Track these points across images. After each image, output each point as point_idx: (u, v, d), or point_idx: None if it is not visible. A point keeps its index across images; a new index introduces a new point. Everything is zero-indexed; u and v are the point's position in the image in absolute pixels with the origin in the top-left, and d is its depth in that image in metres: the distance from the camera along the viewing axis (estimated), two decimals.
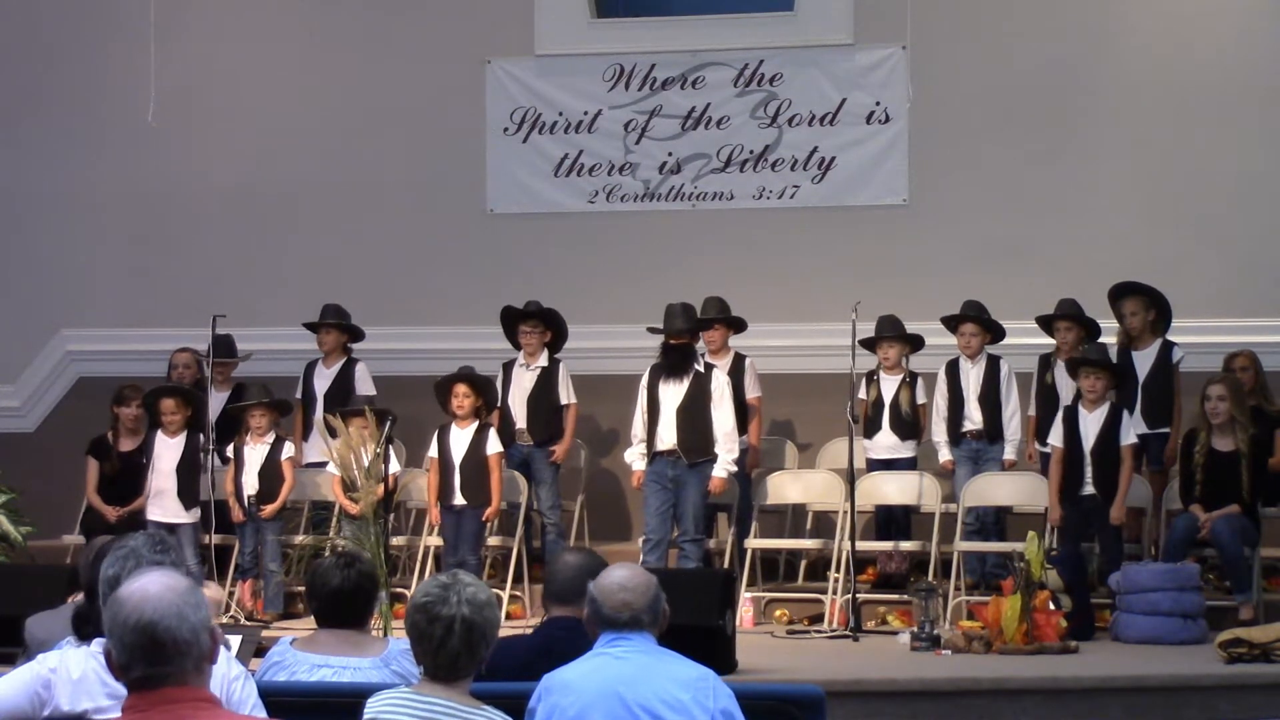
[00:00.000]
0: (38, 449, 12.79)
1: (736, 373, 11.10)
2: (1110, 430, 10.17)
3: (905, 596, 10.30)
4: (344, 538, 10.00)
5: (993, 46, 12.50)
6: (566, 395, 11.36)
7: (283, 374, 11.92)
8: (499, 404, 11.24)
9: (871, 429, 11.12)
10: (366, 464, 9.64)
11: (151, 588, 3.43)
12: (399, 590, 10.23)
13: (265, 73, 13.22)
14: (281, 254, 13.17)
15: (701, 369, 10.55)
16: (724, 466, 10.43)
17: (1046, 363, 11.04)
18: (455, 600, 4.29)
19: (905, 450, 11.14)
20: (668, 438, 10.43)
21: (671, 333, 10.53)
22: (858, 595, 10.09)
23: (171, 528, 10.59)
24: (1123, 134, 12.33)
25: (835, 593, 10.40)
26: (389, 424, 9.95)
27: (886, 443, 11.14)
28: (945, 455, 11.07)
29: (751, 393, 11.26)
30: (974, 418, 11.03)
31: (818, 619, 10.40)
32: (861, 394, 11.07)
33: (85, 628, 4.68)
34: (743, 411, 10.91)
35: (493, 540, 11.07)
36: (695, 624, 7.67)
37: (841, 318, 10.56)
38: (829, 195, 12.69)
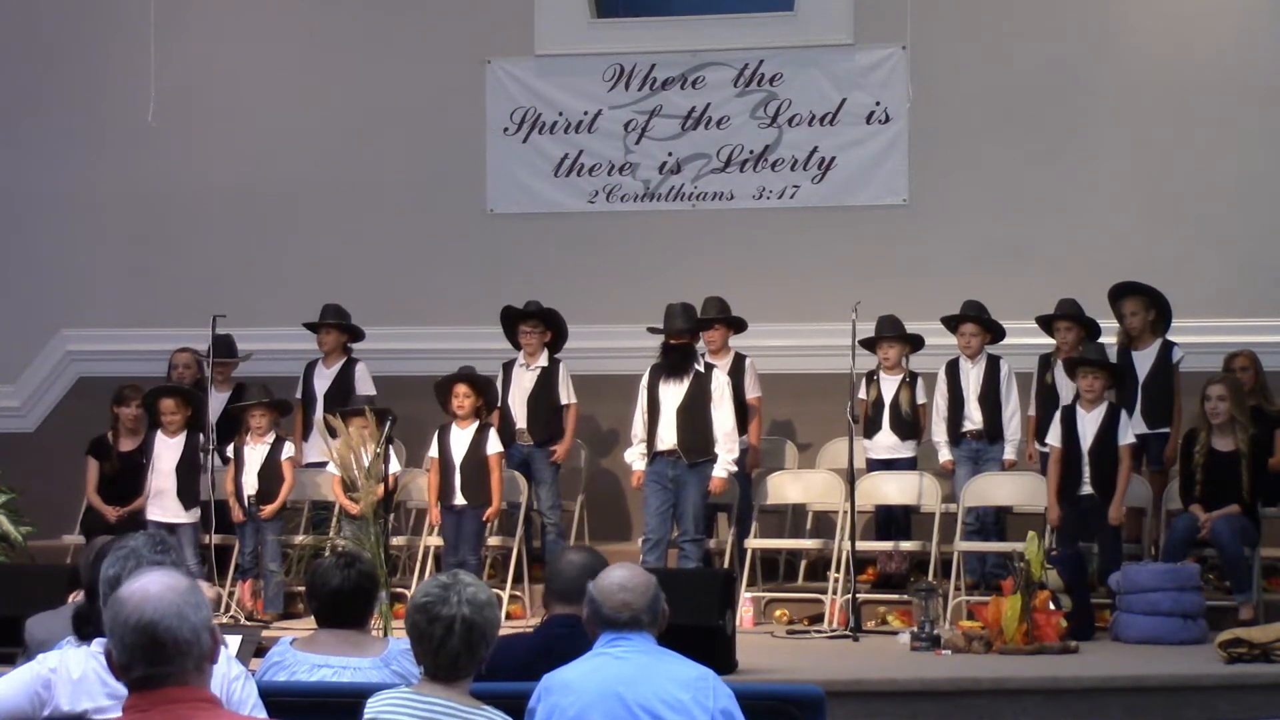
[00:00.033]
0: (38, 449, 12.79)
1: (736, 373, 11.10)
2: (1108, 430, 10.17)
3: (905, 596, 10.30)
4: (344, 538, 10.00)
5: (993, 46, 12.50)
6: (566, 395, 11.36)
7: (283, 374, 11.92)
8: (499, 404, 11.24)
9: (871, 429, 11.12)
10: (366, 464, 9.64)
11: (152, 587, 3.43)
12: (399, 590, 10.23)
13: (265, 73, 13.22)
14: (281, 254, 13.17)
15: (701, 369, 10.55)
16: (724, 466, 10.43)
17: (1046, 363, 11.04)
18: (455, 600, 4.29)
19: (905, 450, 11.14)
20: (668, 438, 10.42)
21: (671, 333, 10.52)
22: (858, 595, 10.09)
23: (171, 528, 10.59)
24: (1123, 134, 12.33)
25: (835, 593, 10.40)
26: (389, 424, 9.95)
27: (886, 443, 11.14)
28: (945, 455, 11.07)
29: (751, 393, 11.26)
30: (974, 418, 11.03)
31: (818, 619, 10.40)
32: (861, 394, 11.07)
33: (85, 628, 4.69)
34: (743, 411, 10.91)
35: (493, 540, 11.08)
36: (695, 624, 7.67)
37: (841, 318, 10.56)
38: (829, 195, 12.69)
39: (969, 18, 12.53)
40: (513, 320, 11.44)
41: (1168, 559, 9.87)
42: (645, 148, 12.90)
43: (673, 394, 10.46)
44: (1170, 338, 10.82)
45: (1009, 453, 10.97)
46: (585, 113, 12.95)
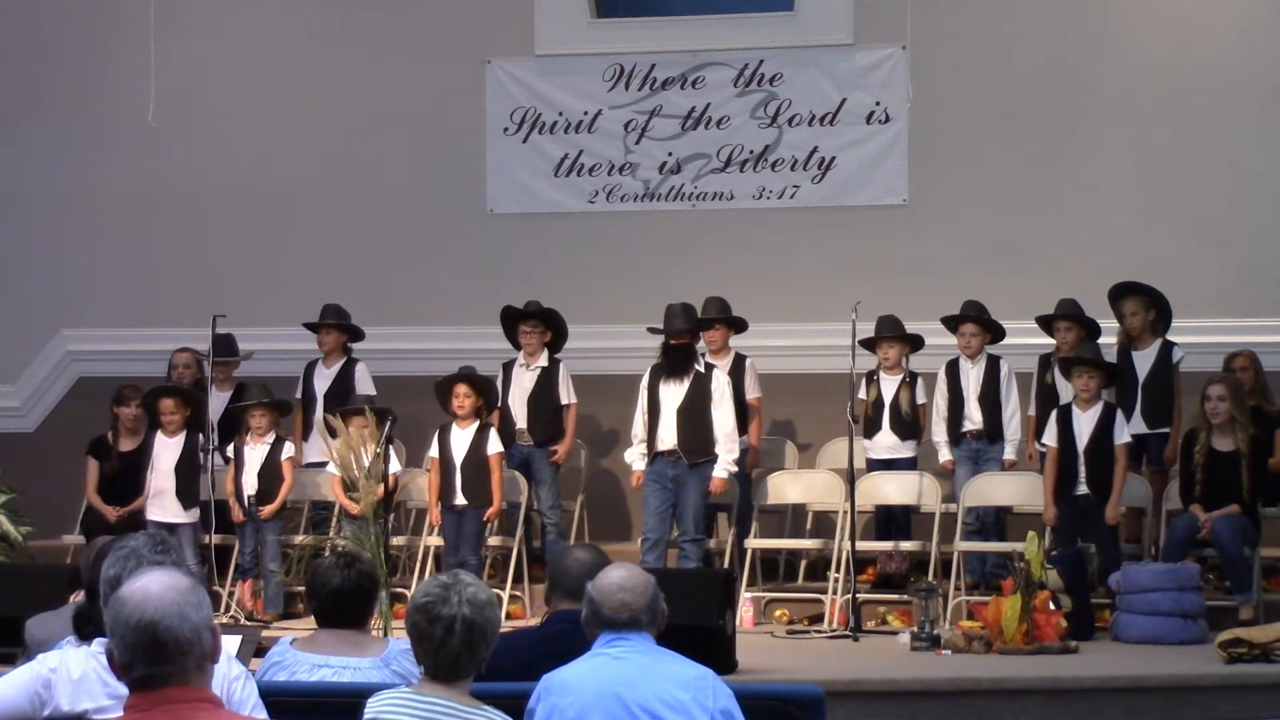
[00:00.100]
0: (38, 449, 12.80)
1: (737, 373, 11.10)
2: (1104, 429, 10.16)
3: (905, 596, 10.30)
4: (344, 538, 10.01)
5: (993, 46, 12.50)
6: (567, 395, 11.36)
7: (283, 374, 11.92)
8: (499, 404, 11.25)
9: (871, 429, 11.12)
10: (366, 464, 9.63)
11: (153, 587, 3.43)
12: (399, 590, 10.23)
13: (265, 73, 13.22)
14: (281, 254, 13.17)
15: (702, 369, 10.55)
16: (724, 467, 10.43)
17: (1046, 363, 11.04)
18: (456, 600, 4.29)
19: (905, 450, 11.14)
20: (668, 438, 10.42)
21: (672, 333, 10.53)
22: (858, 595, 10.09)
23: (171, 528, 10.58)
24: (1123, 134, 12.33)
25: (835, 593, 10.40)
26: (389, 424, 9.95)
27: (886, 443, 11.14)
28: (945, 455, 11.07)
29: (752, 393, 11.26)
30: (974, 418, 11.03)
31: (818, 619, 10.40)
32: (861, 394, 11.07)
33: (86, 627, 4.69)
34: (743, 412, 10.91)
35: (493, 540, 11.08)
36: (695, 624, 7.67)
37: (841, 318, 10.56)
38: (829, 195, 12.69)
39: (969, 18, 12.53)
40: (513, 320, 11.44)
41: (1168, 559, 9.87)
42: (645, 148, 12.90)
43: (673, 394, 10.46)
44: (1170, 338, 10.82)
45: (1009, 453, 10.97)
46: (585, 113, 12.95)
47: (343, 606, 5.48)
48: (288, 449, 11.18)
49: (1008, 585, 9.24)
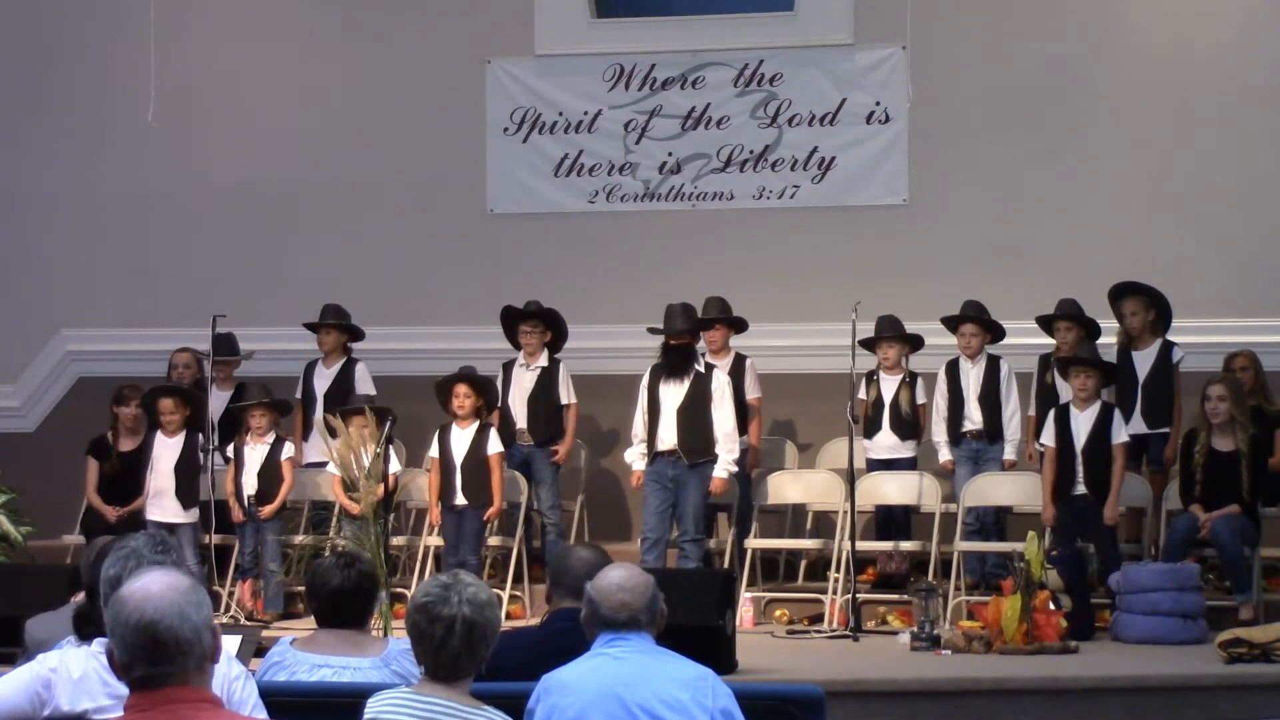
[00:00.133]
0: (38, 449, 12.80)
1: (737, 373, 11.10)
2: (1101, 429, 10.15)
3: (905, 596, 10.30)
4: (344, 538, 10.01)
5: (993, 46, 12.50)
6: (567, 395, 11.36)
7: (283, 374, 11.93)
8: (499, 404, 11.24)
9: (871, 429, 11.12)
10: (366, 464, 9.63)
11: (153, 587, 3.43)
12: (399, 590, 10.23)
13: (265, 73, 13.22)
14: (281, 254, 13.17)
15: (702, 369, 10.55)
16: (724, 467, 10.43)
17: (1047, 363, 11.04)
18: (456, 600, 4.29)
19: (905, 450, 11.14)
20: (668, 438, 10.42)
21: (672, 333, 10.53)
22: (858, 595, 10.09)
23: (171, 528, 10.58)
24: (1123, 134, 12.33)
25: (835, 593, 10.40)
26: (389, 424, 9.95)
27: (886, 443, 11.14)
28: (945, 455, 11.07)
29: (752, 393, 11.26)
30: (974, 418, 11.03)
31: (818, 619, 10.40)
32: (861, 394, 11.07)
33: (86, 627, 4.69)
34: (743, 412, 10.91)
35: (493, 540, 11.08)
36: (695, 624, 7.67)
37: (841, 318, 10.56)
38: (829, 195, 12.69)
39: (969, 18, 12.53)
40: (513, 320, 11.44)
41: (1168, 559, 9.86)
42: (645, 148, 12.90)
43: (673, 394, 10.46)
44: (1170, 338, 10.82)
45: (1009, 453, 10.97)
46: (585, 113, 12.95)
47: (343, 606, 5.48)
48: (288, 449, 11.18)
49: (1008, 585, 9.24)
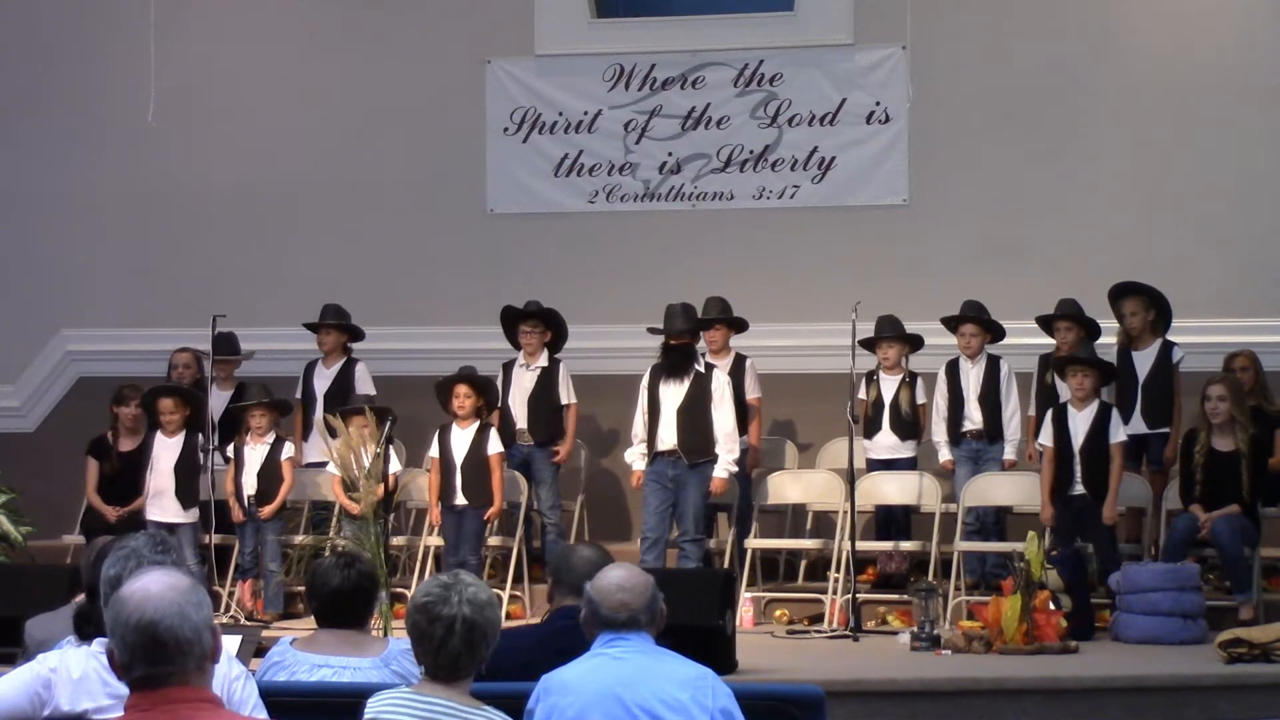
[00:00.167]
0: (38, 449, 12.80)
1: (737, 373, 11.10)
2: (1099, 428, 10.15)
3: (905, 596, 10.29)
4: (344, 538, 10.01)
5: (993, 46, 12.50)
6: (567, 395, 11.36)
7: (283, 374, 11.93)
8: (499, 404, 11.24)
9: (871, 429, 11.12)
10: (366, 464, 9.63)
11: (153, 587, 3.43)
12: (399, 590, 10.23)
13: (265, 73, 13.22)
14: (281, 254, 13.17)
15: (702, 369, 10.55)
16: (724, 467, 10.43)
17: (1047, 363, 11.04)
18: (456, 600, 4.29)
19: (905, 450, 11.14)
20: (668, 438, 10.42)
21: (672, 333, 10.53)
22: (858, 595, 10.09)
23: (171, 528, 10.58)
24: (1123, 134, 12.33)
25: (835, 593, 10.39)
26: (389, 424, 9.95)
27: (886, 443, 11.14)
28: (945, 455, 11.07)
29: (752, 393, 11.26)
30: (974, 418, 11.03)
31: (818, 619, 10.40)
32: (861, 394, 11.07)
33: (86, 627, 4.69)
34: (743, 412, 10.91)
35: (493, 540, 11.08)
36: (695, 624, 7.67)
37: (841, 318, 10.56)
38: (829, 195, 12.69)
39: (969, 18, 12.53)
40: (513, 320, 11.44)
41: (1168, 559, 9.86)
42: (645, 148, 12.90)
43: (673, 394, 10.46)
44: (1170, 338, 10.82)
45: (1009, 453, 10.97)
46: (585, 113, 12.95)
47: (343, 606, 5.49)
48: (288, 449, 11.18)
49: (1008, 585, 9.24)
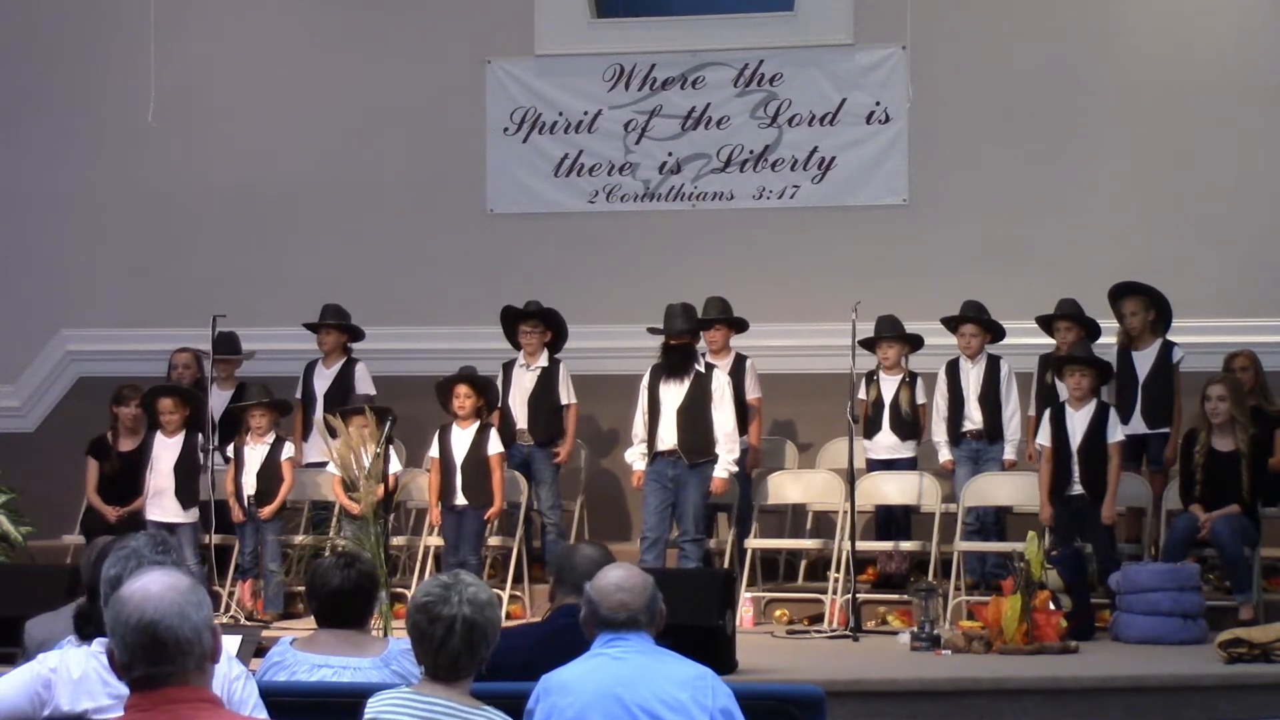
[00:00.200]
0: (38, 449, 12.80)
1: (737, 373, 11.10)
2: (1097, 428, 10.14)
3: (905, 596, 10.29)
4: (344, 538, 10.00)
5: (993, 46, 12.50)
6: (567, 395, 11.36)
7: (283, 374, 11.93)
8: (499, 404, 11.24)
9: (871, 429, 11.12)
10: (366, 464, 9.63)
11: (153, 587, 3.43)
12: (399, 590, 10.23)
13: (265, 73, 13.22)
14: (281, 254, 13.17)
15: (702, 369, 10.55)
16: (724, 467, 10.43)
17: (1047, 363, 11.04)
18: (456, 600, 4.29)
19: (905, 450, 11.14)
20: (668, 438, 10.42)
21: (672, 333, 10.53)
22: (858, 595, 10.09)
23: (171, 528, 10.58)
24: (1123, 134, 12.33)
25: (835, 593, 10.39)
26: (389, 424, 9.95)
27: (886, 443, 11.14)
28: (945, 455, 11.07)
29: (752, 393, 11.26)
30: (974, 418, 11.03)
31: (818, 619, 10.40)
32: (861, 394, 11.07)
33: (87, 627, 4.69)
34: (743, 412, 10.91)
35: (493, 540, 11.08)
36: (695, 624, 7.67)
37: (841, 318, 10.56)
38: (829, 195, 12.69)
39: (969, 18, 12.54)
40: (513, 320, 11.44)
41: (1168, 559, 9.86)
42: (645, 148, 12.90)
43: (673, 394, 10.46)
44: (1170, 338, 10.82)
45: (1009, 453, 10.97)
46: (585, 113, 12.95)
47: (343, 606, 5.49)
48: (288, 449, 11.18)
49: (1008, 585, 9.24)
